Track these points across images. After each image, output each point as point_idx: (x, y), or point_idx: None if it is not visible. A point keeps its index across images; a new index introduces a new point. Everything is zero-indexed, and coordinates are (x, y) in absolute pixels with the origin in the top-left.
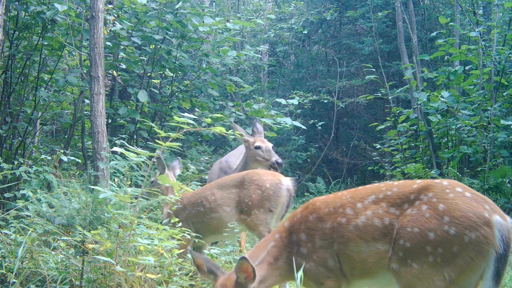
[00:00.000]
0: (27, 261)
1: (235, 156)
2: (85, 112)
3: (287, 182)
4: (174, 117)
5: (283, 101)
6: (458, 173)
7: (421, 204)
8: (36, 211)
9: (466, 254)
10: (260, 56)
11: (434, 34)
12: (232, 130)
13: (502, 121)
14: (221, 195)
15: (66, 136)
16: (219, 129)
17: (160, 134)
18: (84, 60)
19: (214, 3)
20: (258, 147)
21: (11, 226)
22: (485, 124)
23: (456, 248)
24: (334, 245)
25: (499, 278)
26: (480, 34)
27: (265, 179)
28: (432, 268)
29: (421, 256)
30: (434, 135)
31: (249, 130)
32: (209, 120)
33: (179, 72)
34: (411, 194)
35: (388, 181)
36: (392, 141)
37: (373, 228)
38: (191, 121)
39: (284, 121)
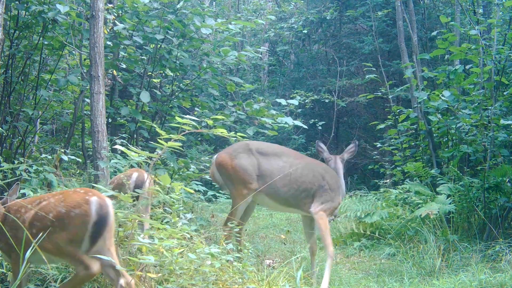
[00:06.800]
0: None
1: None
2: (85, 112)
3: None
4: (176, 117)
5: (283, 101)
6: (458, 172)
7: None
8: None
9: (74, 222)
10: (260, 55)
11: (434, 33)
12: (233, 132)
13: (502, 120)
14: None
15: (66, 135)
16: (220, 131)
17: (162, 135)
18: (85, 59)
19: (214, 2)
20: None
21: None
22: (485, 123)
23: (66, 220)
24: None
25: (94, 239)
26: (480, 33)
27: None
28: (47, 238)
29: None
30: (434, 134)
31: (249, 130)
32: (210, 122)
33: (180, 72)
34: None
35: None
36: (392, 140)
37: None
38: (193, 123)
39: (285, 122)
